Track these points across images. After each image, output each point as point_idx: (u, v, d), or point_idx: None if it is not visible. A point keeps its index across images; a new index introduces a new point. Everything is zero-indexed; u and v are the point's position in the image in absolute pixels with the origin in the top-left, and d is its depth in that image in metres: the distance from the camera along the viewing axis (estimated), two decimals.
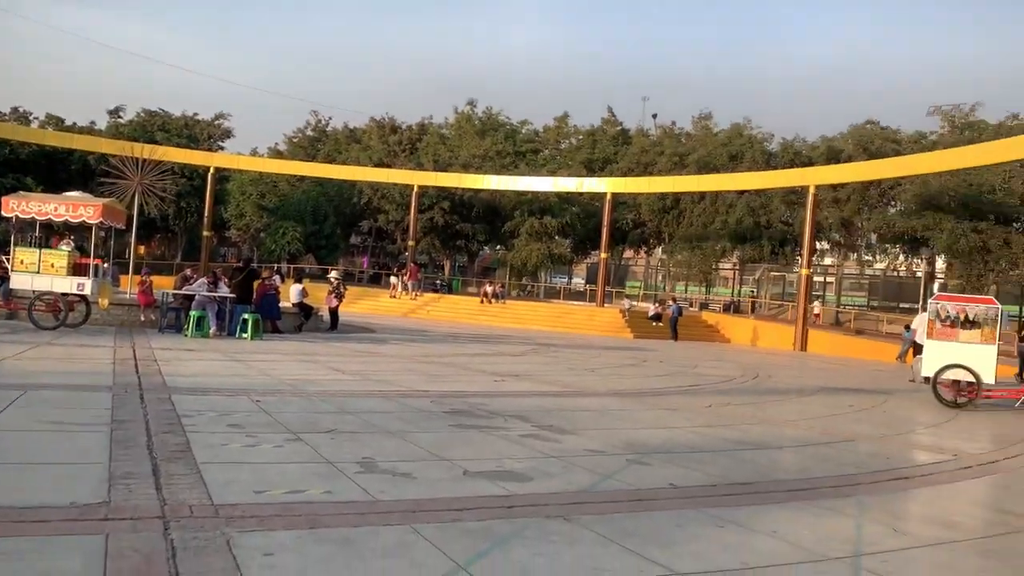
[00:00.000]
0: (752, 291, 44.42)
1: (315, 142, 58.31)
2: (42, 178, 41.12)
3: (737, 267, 46.91)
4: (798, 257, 34.75)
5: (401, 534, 4.25)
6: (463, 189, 43.73)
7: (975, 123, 36.83)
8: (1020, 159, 27.96)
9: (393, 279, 39.26)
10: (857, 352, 27.59)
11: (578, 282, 56.34)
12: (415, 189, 40.96)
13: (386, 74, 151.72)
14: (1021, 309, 34.96)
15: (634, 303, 41.45)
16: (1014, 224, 33.06)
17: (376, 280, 48.50)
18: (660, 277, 53.28)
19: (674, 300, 34.30)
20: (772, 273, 41.90)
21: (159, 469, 5.25)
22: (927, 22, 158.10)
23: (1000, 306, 13.51)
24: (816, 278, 43.39)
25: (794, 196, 37.35)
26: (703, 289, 46.60)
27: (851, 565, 4.33)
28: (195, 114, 51.79)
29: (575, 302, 42.19)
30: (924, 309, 19.80)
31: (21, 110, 48.81)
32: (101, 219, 16.19)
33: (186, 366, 11.24)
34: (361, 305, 34.75)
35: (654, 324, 32.52)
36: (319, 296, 23.44)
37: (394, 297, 37.65)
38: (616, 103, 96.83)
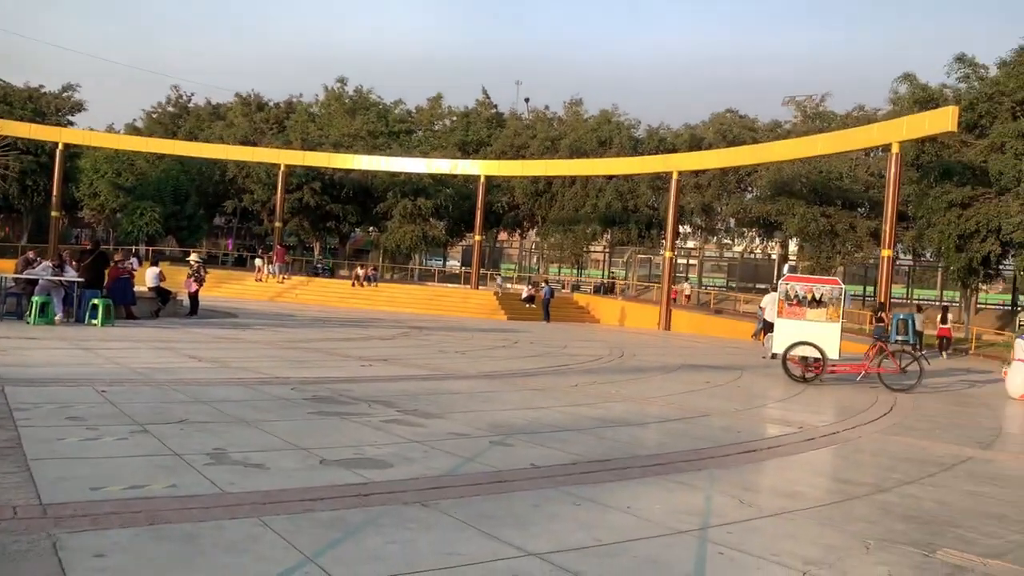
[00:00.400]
0: (614, 272, 45.69)
1: (176, 118, 55.62)
2: None
3: (607, 249, 48.11)
4: (663, 240, 35.89)
5: (248, 527, 4.08)
6: (334, 169, 42.70)
7: (824, 113, 39.10)
8: (863, 148, 29.89)
9: (259, 261, 37.94)
10: (717, 331, 28.87)
11: (453, 264, 56.27)
12: (282, 168, 39.70)
13: (252, 50, 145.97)
14: (866, 290, 37.57)
15: (508, 284, 41.87)
16: (859, 209, 35.34)
17: (242, 263, 46.80)
18: (535, 259, 53.98)
19: (546, 282, 34.82)
20: (639, 255, 43.22)
21: None
22: (785, 17, 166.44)
23: (843, 286, 14.43)
24: (680, 260, 45.09)
25: (659, 181, 38.61)
26: (575, 271, 47.55)
27: (698, 537, 4.48)
28: (40, 86, 48.21)
29: (450, 284, 42.12)
30: (774, 289, 20.98)
31: None
32: None
33: (25, 355, 10.45)
34: (225, 289, 33.45)
35: (527, 306, 32.91)
36: (178, 280, 22.36)
37: (260, 280, 36.43)
38: (490, 86, 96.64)
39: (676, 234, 35.03)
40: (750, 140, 36.85)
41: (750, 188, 40.08)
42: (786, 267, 21.35)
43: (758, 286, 38.23)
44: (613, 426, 8.01)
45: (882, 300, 23.29)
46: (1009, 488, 6.46)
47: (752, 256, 44.85)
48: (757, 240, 42.87)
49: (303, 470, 5.37)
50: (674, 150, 38.09)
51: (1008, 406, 12.58)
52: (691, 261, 48.98)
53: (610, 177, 39.70)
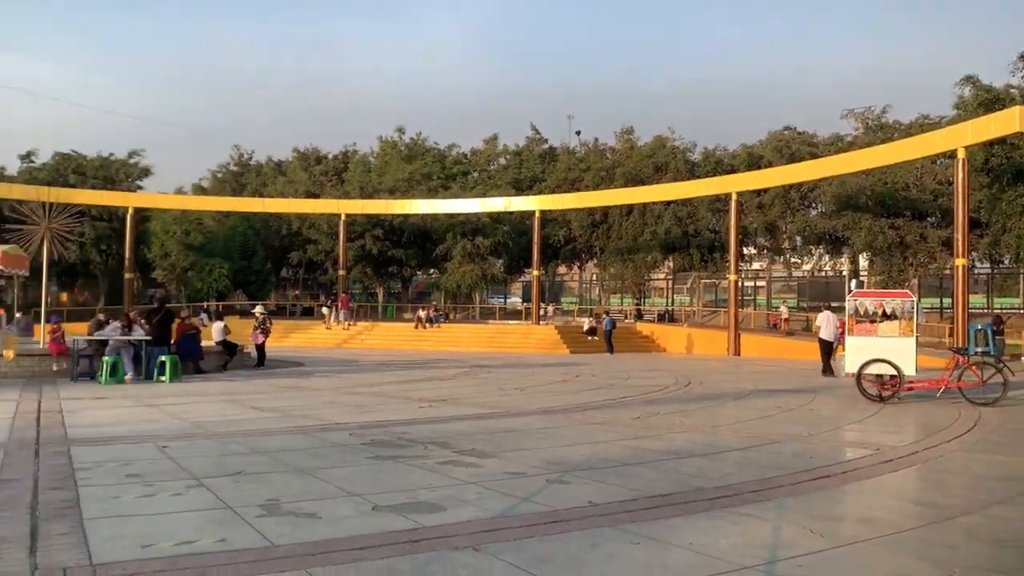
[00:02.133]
0: (686, 299, 44.92)
1: (238, 176, 57.32)
2: None
3: (669, 276, 47.44)
4: (727, 263, 35.23)
5: None
6: (393, 215, 43.33)
7: (887, 124, 38.02)
8: (929, 155, 28.91)
9: (325, 310, 38.54)
10: (788, 353, 28.04)
11: (514, 301, 56.24)
12: (343, 218, 40.45)
13: (309, 106, 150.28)
14: (943, 301, 36.14)
15: (568, 317, 41.53)
16: (928, 219, 34.13)
17: (309, 312, 47.64)
18: (596, 291, 53.61)
19: (607, 313, 34.47)
20: (703, 280, 42.48)
21: (38, 530, 4.87)
22: (837, 33, 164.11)
23: (915, 298, 13.82)
24: (747, 283, 44.19)
25: (719, 204, 37.97)
26: (637, 300, 46.99)
27: (765, 572, 4.21)
28: (111, 154, 50.30)
29: (512, 321, 42.07)
30: (828, 307, 20.41)
31: None
32: (0, 267, 15.43)
33: (93, 415, 10.69)
34: (294, 339, 34.06)
35: (589, 339, 32.59)
36: (246, 333, 22.79)
37: (329, 328, 36.97)
38: (541, 123, 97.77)
39: (740, 256, 34.32)
40: (810, 156, 35.96)
41: (814, 204, 39.12)
42: (853, 283, 20.65)
43: (833, 304, 37.07)
44: (676, 458, 7.72)
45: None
46: None
47: (822, 274, 43.63)
48: (825, 257, 41.65)
49: (355, 517, 5.27)
50: (732, 171, 37.47)
51: None
52: (759, 283, 47.95)
53: (668, 203, 39.25)
